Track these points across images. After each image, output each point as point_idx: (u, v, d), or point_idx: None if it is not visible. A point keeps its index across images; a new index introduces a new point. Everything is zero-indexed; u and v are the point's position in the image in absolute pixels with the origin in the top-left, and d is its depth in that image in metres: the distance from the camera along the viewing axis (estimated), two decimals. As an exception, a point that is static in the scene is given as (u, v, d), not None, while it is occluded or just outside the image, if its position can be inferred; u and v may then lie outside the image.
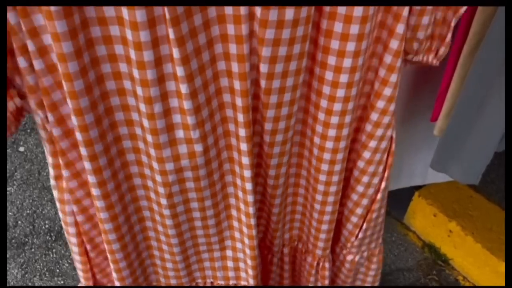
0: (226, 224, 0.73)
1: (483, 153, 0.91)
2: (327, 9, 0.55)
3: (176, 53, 0.50)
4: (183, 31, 0.49)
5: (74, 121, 0.54)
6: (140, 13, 0.47)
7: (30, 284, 1.36)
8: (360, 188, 0.73)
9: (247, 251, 0.73)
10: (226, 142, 0.63)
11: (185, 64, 0.51)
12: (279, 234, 0.79)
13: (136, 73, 0.52)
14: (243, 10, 0.50)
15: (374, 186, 0.72)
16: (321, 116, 0.63)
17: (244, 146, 0.61)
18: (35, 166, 1.70)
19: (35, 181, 1.65)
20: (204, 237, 0.73)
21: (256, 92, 0.59)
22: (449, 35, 0.62)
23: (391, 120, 0.65)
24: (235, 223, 0.72)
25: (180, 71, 0.52)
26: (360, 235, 0.79)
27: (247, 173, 0.63)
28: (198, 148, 0.59)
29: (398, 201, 1.48)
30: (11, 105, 0.53)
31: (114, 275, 0.71)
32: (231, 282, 0.80)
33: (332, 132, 0.64)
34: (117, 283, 0.72)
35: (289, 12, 0.52)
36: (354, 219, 0.77)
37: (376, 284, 0.90)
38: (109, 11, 0.49)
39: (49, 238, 1.48)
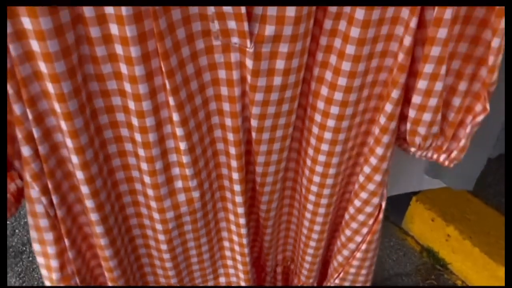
0: (218, 255, 0.76)
1: (477, 159, 0.91)
2: (319, 57, 0.55)
3: (175, 116, 0.53)
4: (181, 97, 0.52)
5: (87, 204, 0.56)
6: (138, 68, 0.48)
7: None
8: (347, 233, 0.74)
9: (241, 275, 0.76)
10: (219, 183, 0.66)
11: (184, 126, 0.54)
12: (272, 256, 0.82)
13: (138, 137, 0.55)
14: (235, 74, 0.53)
15: (362, 235, 0.73)
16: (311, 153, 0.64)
17: (237, 187, 0.64)
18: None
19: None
20: (199, 271, 0.76)
21: (248, 139, 0.61)
22: (464, 141, 0.59)
23: (383, 179, 0.64)
24: (228, 253, 0.76)
25: (179, 131, 0.55)
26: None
27: (240, 210, 0.67)
28: (196, 194, 0.62)
29: (396, 206, 1.48)
30: (12, 187, 0.52)
31: None
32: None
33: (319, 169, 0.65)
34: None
35: (280, 62, 0.52)
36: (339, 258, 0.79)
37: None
38: (110, 81, 0.50)
39: (47, 249, 1.47)
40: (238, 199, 0.65)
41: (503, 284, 1.27)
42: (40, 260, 0.61)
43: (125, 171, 0.60)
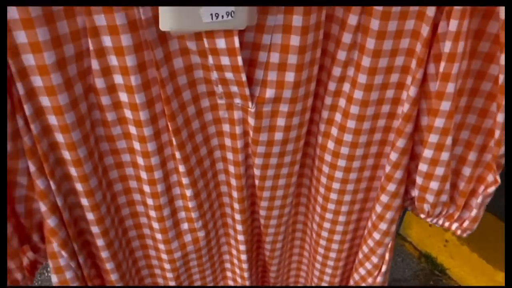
0: (221, 277, 0.79)
1: None
2: (325, 115, 0.57)
3: (181, 168, 0.56)
4: (187, 150, 0.55)
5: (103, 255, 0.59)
6: (147, 129, 0.51)
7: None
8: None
9: None
10: (223, 221, 0.69)
11: (189, 175, 0.57)
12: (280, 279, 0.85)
13: (147, 188, 0.58)
14: (238, 129, 0.55)
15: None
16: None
17: (239, 227, 0.67)
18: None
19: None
20: None
21: (252, 184, 0.63)
22: (476, 211, 0.58)
23: (394, 216, 0.64)
24: (229, 274, 0.79)
25: (185, 180, 0.58)
26: None
27: (242, 247, 0.70)
28: (201, 234, 0.65)
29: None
30: (25, 261, 0.54)
31: None
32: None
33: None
34: None
35: (281, 120, 0.54)
36: None
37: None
38: (120, 141, 0.54)
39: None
40: (240, 237, 0.68)
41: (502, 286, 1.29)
42: None
43: (133, 218, 0.64)
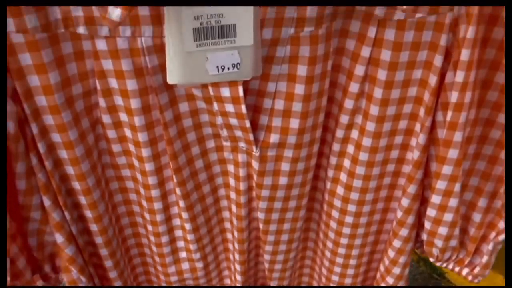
0: None
1: None
2: (333, 161, 0.57)
3: (181, 203, 0.57)
4: (188, 188, 0.56)
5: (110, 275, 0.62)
6: (148, 165, 0.53)
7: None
8: None
9: None
10: (226, 255, 0.69)
11: (189, 211, 0.58)
12: None
13: (147, 216, 0.59)
14: (241, 172, 0.55)
15: None
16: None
17: (238, 267, 0.67)
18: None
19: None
20: None
21: (256, 227, 0.64)
22: (487, 258, 0.58)
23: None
24: None
25: (184, 215, 0.58)
26: None
27: (238, 285, 0.70)
28: (199, 264, 0.66)
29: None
30: None
31: None
32: None
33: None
34: None
35: (285, 165, 0.54)
36: None
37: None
38: (124, 170, 0.56)
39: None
40: (238, 277, 0.67)
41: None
42: None
43: (135, 238, 0.66)
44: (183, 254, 0.65)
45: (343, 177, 0.57)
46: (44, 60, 0.42)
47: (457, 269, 0.61)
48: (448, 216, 0.54)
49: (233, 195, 0.59)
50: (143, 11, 0.42)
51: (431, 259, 0.61)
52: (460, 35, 0.44)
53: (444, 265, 0.61)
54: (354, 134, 0.53)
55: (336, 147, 0.56)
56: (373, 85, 0.49)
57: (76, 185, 0.52)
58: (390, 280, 0.64)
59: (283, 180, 0.55)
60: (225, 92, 0.46)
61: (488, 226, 0.58)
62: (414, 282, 1.42)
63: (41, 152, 0.48)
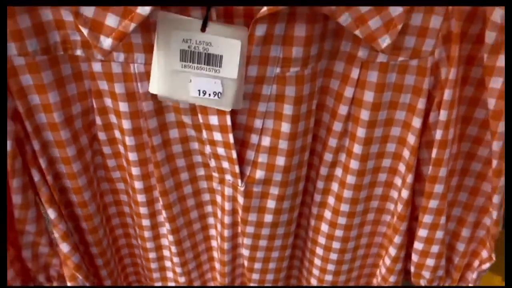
0: None
1: None
2: (317, 198, 0.57)
3: (167, 226, 0.58)
4: (174, 211, 0.57)
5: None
6: (138, 183, 0.54)
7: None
8: None
9: None
10: (215, 283, 0.68)
11: (174, 234, 0.59)
12: None
13: (137, 229, 0.61)
14: (227, 205, 0.55)
15: None
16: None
17: None
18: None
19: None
20: None
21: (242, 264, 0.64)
22: (474, 276, 0.59)
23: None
24: None
25: (170, 238, 0.59)
26: None
27: None
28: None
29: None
30: None
31: None
32: None
33: None
34: None
35: (271, 202, 0.54)
36: None
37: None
38: (119, 183, 0.58)
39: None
40: None
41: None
42: None
43: (126, 238, 0.66)
44: (170, 274, 0.65)
45: (327, 214, 0.58)
46: (44, 81, 0.44)
47: None
48: (434, 248, 0.55)
49: (219, 226, 0.59)
50: (136, 39, 0.43)
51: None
52: (442, 77, 0.46)
53: None
54: (338, 172, 0.54)
55: (320, 184, 0.56)
56: (356, 125, 0.49)
57: (74, 197, 0.54)
58: None
59: (268, 218, 0.55)
60: (213, 120, 0.47)
61: (472, 255, 0.59)
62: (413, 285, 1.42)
63: (43, 167, 0.50)
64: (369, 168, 0.52)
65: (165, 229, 0.59)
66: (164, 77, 0.44)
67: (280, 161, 0.50)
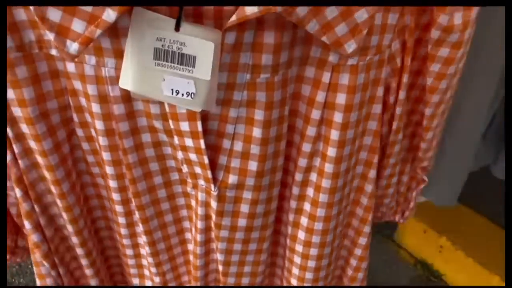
0: None
1: (457, 174, 0.92)
2: (293, 205, 0.57)
3: (141, 227, 0.58)
4: (147, 213, 0.57)
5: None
6: (113, 182, 0.54)
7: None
8: None
9: None
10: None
11: (147, 235, 0.59)
12: None
13: (115, 218, 0.61)
14: (200, 210, 0.55)
15: None
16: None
17: None
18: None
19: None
20: None
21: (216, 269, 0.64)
22: (412, 204, 0.69)
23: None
24: None
25: (144, 238, 0.59)
26: None
27: None
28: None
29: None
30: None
31: None
32: None
33: None
34: None
35: (245, 207, 0.54)
36: None
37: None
38: (98, 178, 0.58)
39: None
40: None
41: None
42: None
43: (107, 231, 0.66)
44: (146, 272, 0.66)
45: (303, 221, 0.57)
46: (18, 76, 0.45)
47: (391, 218, 0.73)
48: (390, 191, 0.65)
49: (193, 230, 0.59)
50: (105, 44, 0.43)
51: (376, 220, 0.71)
52: (398, 65, 0.51)
53: (383, 219, 0.73)
54: (313, 176, 0.54)
55: (295, 190, 0.55)
56: (329, 128, 0.49)
57: (53, 189, 0.54)
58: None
59: (242, 222, 0.55)
60: (184, 126, 0.47)
61: (411, 180, 0.68)
62: (412, 285, 1.42)
63: (16, 152, 0.51)
64: (342, 170, 0.53)
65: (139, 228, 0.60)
66: (136, 73, 0.43)
67: (253, 166, 0.50)
